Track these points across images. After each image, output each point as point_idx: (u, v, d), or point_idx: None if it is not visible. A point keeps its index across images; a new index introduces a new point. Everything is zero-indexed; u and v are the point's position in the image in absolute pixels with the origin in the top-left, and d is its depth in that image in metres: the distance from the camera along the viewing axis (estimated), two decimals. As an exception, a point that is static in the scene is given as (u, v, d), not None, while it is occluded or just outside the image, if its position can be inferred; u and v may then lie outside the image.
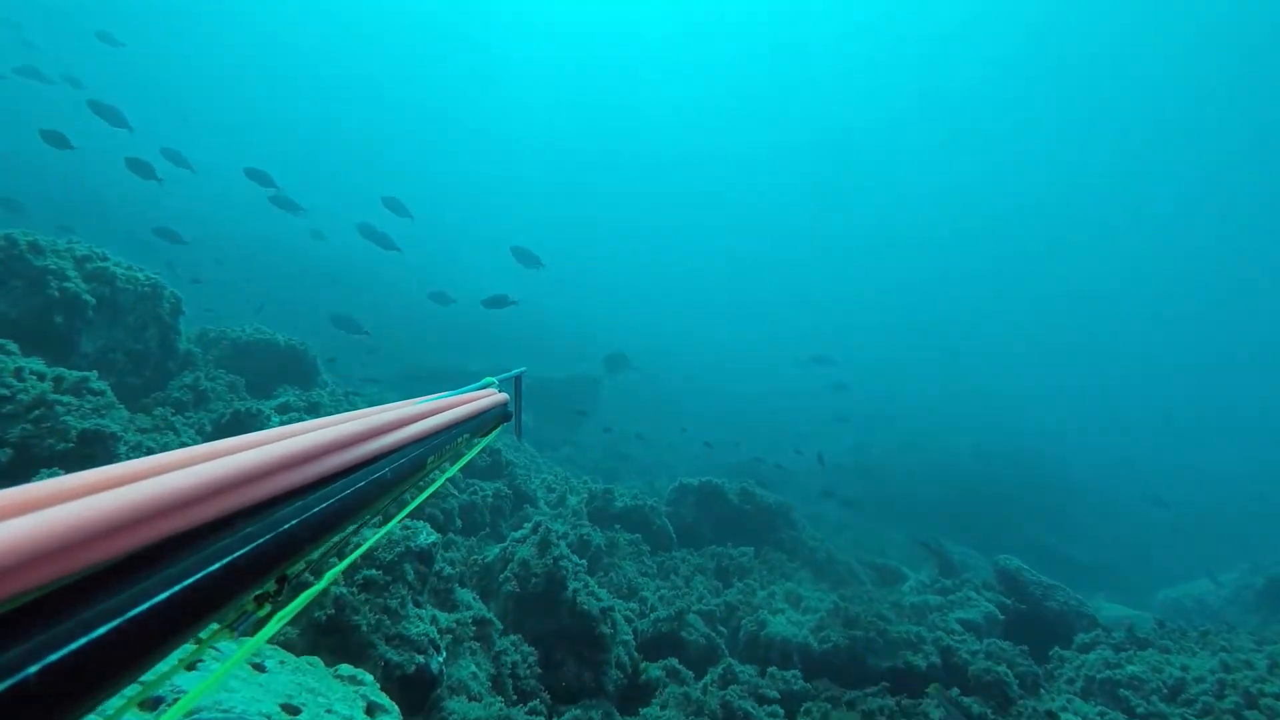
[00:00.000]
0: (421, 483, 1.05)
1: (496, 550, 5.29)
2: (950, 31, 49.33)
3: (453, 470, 1.17)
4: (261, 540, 0.58)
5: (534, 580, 4.73)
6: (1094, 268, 58.08)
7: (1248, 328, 52.37)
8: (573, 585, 4.62)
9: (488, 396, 1.42)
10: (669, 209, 66.80)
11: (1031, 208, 57.29)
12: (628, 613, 5.17)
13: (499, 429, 1.48)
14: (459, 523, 6.01)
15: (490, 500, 6.67)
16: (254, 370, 8.20)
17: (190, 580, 0.49)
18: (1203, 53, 41.31)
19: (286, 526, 0.62)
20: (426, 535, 3.64)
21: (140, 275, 6.35)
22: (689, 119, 62.21)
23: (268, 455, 0.64)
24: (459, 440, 1.15)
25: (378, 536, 1.01)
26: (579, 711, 4.15)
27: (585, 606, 4.45)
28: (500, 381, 1.66)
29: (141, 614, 0.43)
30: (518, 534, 5.30)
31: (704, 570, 7.22)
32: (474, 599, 4.56)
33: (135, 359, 6.46)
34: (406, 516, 1.00)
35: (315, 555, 0.70)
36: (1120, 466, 27.43)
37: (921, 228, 63.04)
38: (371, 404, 9.18)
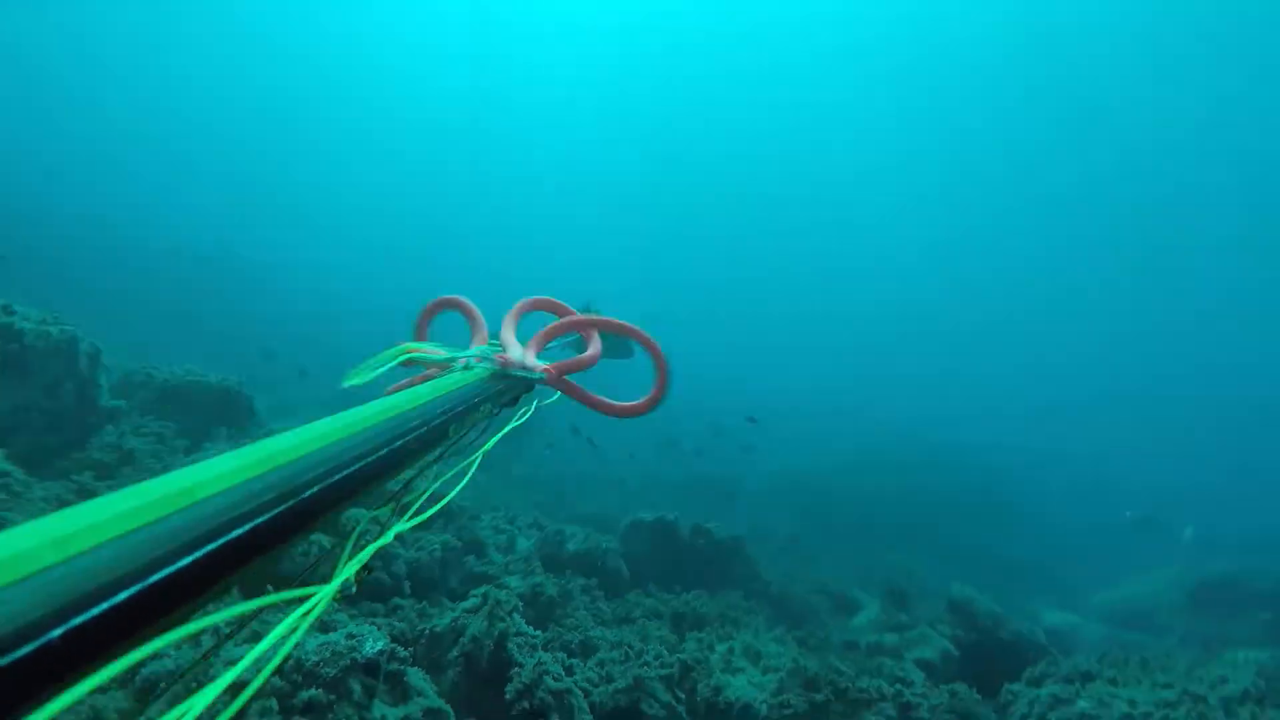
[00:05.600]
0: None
1: (447, 620, 5.09)
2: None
3: (493, 442, 1.31)
4: (281, 508, 0.60)
5: (483, 663, 4.57)
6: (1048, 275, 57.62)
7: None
8: (525, 671, 4.45)
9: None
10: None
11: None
12: (585, 684, 5.01)
13: (525, 398, 1.55)
14: (408, 586, 5.77)
15: (439, 554, 6.45)
16: (185, 414, 7.78)
17: (210, 547, 0.50)
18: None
19: (308, 494, 0.64)
20: (373, 643, 3.43)
21: (53, 329, 5.93)
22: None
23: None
24: (481, 409, 1.21)
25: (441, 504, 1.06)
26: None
27: (540, 698, 4.28)
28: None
29: (162, 580, 0.45)
30: (467, 604, 5.12)
31: (659, 616, 7.12)
32: (425, 681, 4.35)
33: (51, 418, 6.04)
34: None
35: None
36: (1061, 462, 28.29)
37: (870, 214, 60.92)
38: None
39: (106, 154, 41.63)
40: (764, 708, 5.18)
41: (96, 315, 11.64)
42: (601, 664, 5.61)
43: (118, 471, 5.96)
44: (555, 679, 4.58)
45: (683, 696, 5.45)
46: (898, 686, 5.51)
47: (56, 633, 0.37)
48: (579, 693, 4.72)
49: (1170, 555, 17.66)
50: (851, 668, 5.66)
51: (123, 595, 0.42)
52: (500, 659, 4.69)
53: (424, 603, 5.80)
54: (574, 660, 5.43)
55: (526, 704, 4.38)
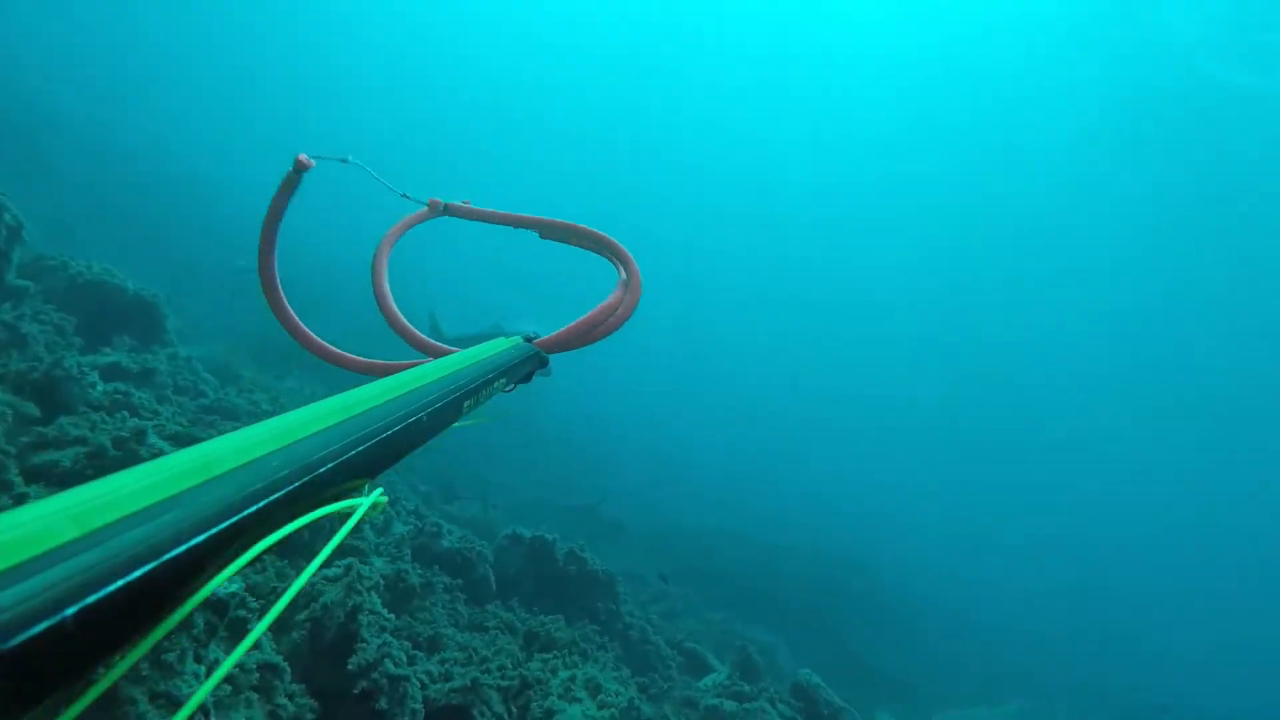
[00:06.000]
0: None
1: (304, 580, 5.07)
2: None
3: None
4: (295, 484, 0.63)
5: (330, 632, 4.58)
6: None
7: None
8: (369, 650, 4.49)
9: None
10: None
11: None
12: (424, 676, 5.05)
13: (536, 374, 1.59)
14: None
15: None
16: (92, 314, 7.52)
17: (228, 522, 0.51)
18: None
19: (321, 470, 0.68)
20: (229, 583, 3.45)
21: (-18, 194, 5.74)
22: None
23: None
24: (494, 385, 1.23)
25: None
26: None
27: (375, 679, 4.33)
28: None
29: (175, 558, 0.45)
30: (328, 571, 5.12)
31: (513, 631, 7.18)
32: (267, 636, 4.34)
33: (-49, 280, 5.81)
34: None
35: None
36: (946, 583, 28.87)
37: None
38: (212, 374, 8.63)
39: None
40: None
41: (23, 182, 11.12)
42: (444, 662, 5.66)
43: (4, 352, 5.75)
44: (395, 664, 4.63)
45: (515, 711, 5.54)
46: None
47: (70, 611, 0.37)
48: (416, 683, 4.77)
49: (1014, 694, 18.73)
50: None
51: (142, 571, 0.42)
52: (347, 632, 4.70)
53: (285, 562, 5.74)
54: (419, 653, 5.46)
55: (363, 682, 4.41)
